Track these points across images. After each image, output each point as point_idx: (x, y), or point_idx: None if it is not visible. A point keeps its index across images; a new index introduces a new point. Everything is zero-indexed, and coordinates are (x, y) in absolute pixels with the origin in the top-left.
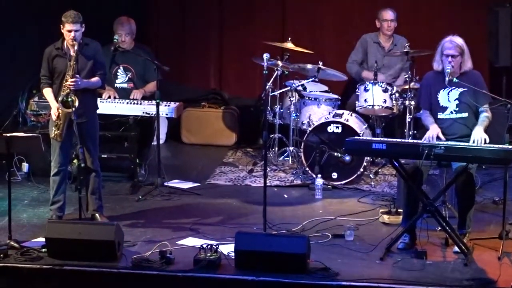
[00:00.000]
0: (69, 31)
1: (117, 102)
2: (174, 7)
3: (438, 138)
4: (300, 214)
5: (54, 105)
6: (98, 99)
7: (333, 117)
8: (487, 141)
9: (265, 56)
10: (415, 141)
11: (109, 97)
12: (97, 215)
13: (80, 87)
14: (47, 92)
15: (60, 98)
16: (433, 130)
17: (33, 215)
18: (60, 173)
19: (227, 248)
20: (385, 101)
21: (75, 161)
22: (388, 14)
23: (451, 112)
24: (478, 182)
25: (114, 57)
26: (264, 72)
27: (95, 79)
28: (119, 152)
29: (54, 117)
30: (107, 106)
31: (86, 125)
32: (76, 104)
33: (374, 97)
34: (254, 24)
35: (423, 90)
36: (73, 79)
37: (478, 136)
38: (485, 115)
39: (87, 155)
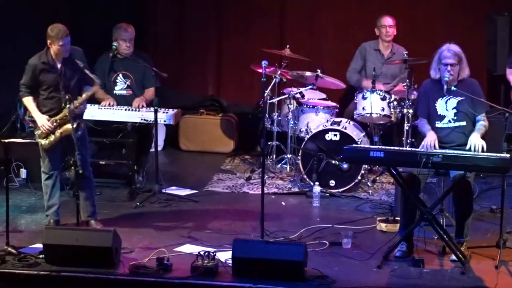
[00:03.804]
0: (62, 45)
1: (116, 109)
2: (173, 14)
3: (434, 146)
4: (298, 221)
5: (39, 116)
6: (97, 106)
7: (331, 124)
8: (485, 147)
9: (263, 63)
10: (413, 149)
11: (109, 104)
12: (92, 221)
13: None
14: (28, 101)
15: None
16: (430, 137)
17: (31, 221)
18: (51, 177)
19: (225, 255)
20: (383, 109)
21: (73, 167)
22: (387, 20)
23: (449, 121)
24: (475, 191)
25: (112, 64)
26: (262, 79)
27: (88, 93)
28: (117, 158)
29: (44, 129)
30: (105, 112)
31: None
32: (82, 126)
33: (372, 105)
34: (253, 31)
35: (420, 98)
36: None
37: (476, 142)
38: (482, 124)
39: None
